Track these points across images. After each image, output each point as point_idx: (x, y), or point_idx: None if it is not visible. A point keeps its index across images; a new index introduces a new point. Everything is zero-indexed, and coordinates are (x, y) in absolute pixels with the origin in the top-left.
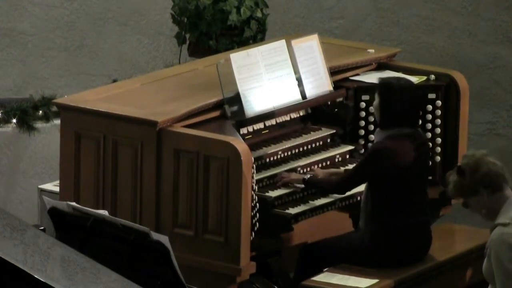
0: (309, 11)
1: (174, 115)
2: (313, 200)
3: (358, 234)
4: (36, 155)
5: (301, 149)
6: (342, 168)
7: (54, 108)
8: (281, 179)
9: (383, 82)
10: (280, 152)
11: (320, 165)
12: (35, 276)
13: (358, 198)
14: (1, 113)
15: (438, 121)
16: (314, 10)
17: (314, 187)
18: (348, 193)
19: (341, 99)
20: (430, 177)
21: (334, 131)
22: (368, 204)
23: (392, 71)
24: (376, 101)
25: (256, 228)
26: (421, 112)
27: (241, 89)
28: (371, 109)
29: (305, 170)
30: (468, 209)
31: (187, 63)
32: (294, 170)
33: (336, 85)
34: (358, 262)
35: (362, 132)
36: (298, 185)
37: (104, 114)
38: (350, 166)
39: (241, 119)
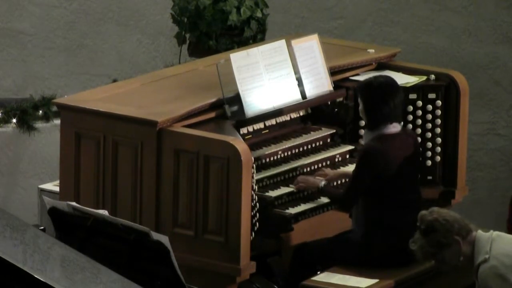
0: (309, 11)
1: (174, 115)
2: (313, 200)
3: (351, 233)
4: (36, 155)
5: (301, 149)
6: (350, 167)
7: (54, 108)
8: (298, 182)
9: (362, 83)
10: (280, 152)
11: (320, 165)
12: (35, 276)
13: None
14: (1, 113)
15: (438, 121)
16: (314, 10)
17: (326, 196)
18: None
19: (341, 99)
20: (430, 177)
21: (334, 131)
22: (360, 203)
23: (392, 71)
24: (360, 105)
25: (256, 228)
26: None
27: (241, 89)
28: None
29: (306, 170)
30: (444, 268)
31: (187, 63)
32: (294, 170)
33: (336, 85)
34: (351, 261)
35: (362, 132)
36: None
37: (104, 114)
38: (350, 168)
39: (241, 119)
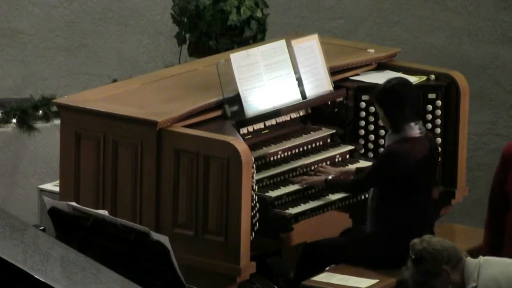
0: (309, 11)
1: (174, 115)
2: (313, 200)
3: (362, 233)
4: (36, 155)
5: (301, 149)
6: (353, 166)
7: (54, 108)
8: (302, 180)
9: (377, 91)
10: (280, 152)
11: (319, 165)
12: (35, 276)
13: (358, 198)
14: (1, 113)
15: (438, 121)
16: (314, 10)
17: (334, 187)
18: None
19: (341, 99)
20: None
21: (334, 131)
22: (374, 202)
23: (392, 71)
24: (381, 113)
25: (256, 228)
26: (421, 103)
27: (241, 89)
28: (371, 109)
29: (306, 170)
30: None
31: (187, 63)
32: (294, 170)
33: (336, 85)
34: (362, 261)
35: (362, 132)
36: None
37: (104, 114)
38: (353, 166)
39: (241, 119)
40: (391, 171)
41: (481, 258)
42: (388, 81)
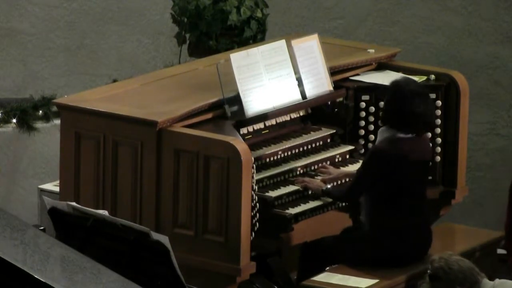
0: (309, 11)
1: (174, 115)
2: (313, 200)
3: (357, 233)
4: (36, 155)
5: (301, 149)
6: (353, 168)
7: (54, 108)
8: (302, 181)
9: (394, 84)
10: (280, 152)
11: (320, 165)
12: (35, 276)
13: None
14: (1, 113)
15: (438, 121)
16: (314, 10)
17: (330, 197)
18: None
19: (341, 99)
20: (430, 177)
21: (334, 131)
22: (367, 203)
23: (392, 71)
24: (384, 103)
25: (256, 228)
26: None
27: (241, 89)
28: (371, 109)
29: (306, 170)
30: None
31: (187, 63)
32: (294, 170)
33: (336, 85)
34: (359, 262)
35: (362, 132)
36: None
37: (104, 114)
38: (353, 167)
39: (241, 119)
40: (375, 173)
41: (497, 281)
42: (408, 83)
